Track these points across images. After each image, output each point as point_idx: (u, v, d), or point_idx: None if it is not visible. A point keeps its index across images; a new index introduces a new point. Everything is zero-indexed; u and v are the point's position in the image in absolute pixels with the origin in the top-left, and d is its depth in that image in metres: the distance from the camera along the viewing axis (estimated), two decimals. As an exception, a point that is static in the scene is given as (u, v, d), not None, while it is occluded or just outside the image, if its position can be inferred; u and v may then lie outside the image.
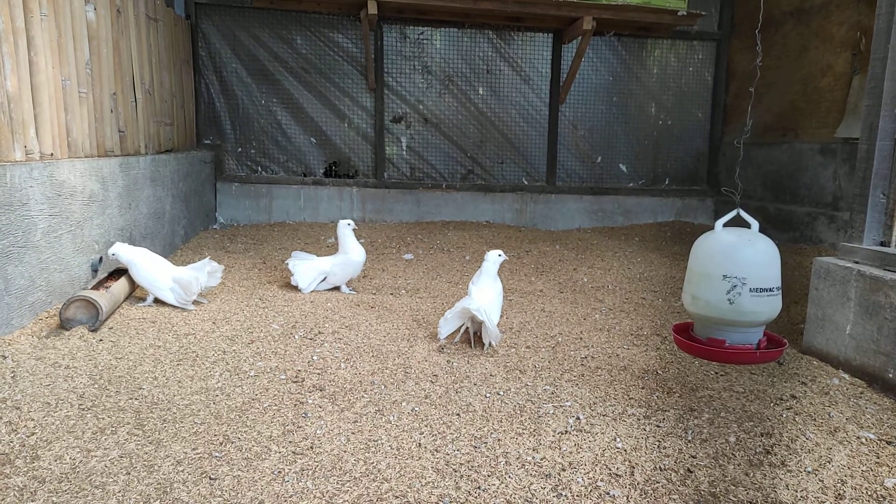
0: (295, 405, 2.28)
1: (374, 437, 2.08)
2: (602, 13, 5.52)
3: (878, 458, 2.05)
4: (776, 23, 5.83)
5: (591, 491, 1.83)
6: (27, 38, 2.87)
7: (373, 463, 1.93)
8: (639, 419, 2.28)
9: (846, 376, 2.72)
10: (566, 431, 2.17)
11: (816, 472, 1.95)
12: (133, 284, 3.35)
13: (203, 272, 3.30)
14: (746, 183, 6.22)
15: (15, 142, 2.77)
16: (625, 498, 1.81)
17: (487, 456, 1.99)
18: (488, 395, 2.44)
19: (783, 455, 2.04)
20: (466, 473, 1.89)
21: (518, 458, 1.98)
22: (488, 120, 6.38)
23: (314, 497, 1.75)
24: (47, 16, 3.03)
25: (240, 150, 6.04)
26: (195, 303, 3.31)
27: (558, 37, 6.27)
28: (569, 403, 2.38)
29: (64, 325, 2.78)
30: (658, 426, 2.23)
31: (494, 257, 3.07)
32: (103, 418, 2.10)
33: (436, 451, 2.01)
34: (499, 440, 2.09)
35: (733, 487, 1.87)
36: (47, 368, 2.41)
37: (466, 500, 1.76)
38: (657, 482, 1.89)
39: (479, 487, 1.82)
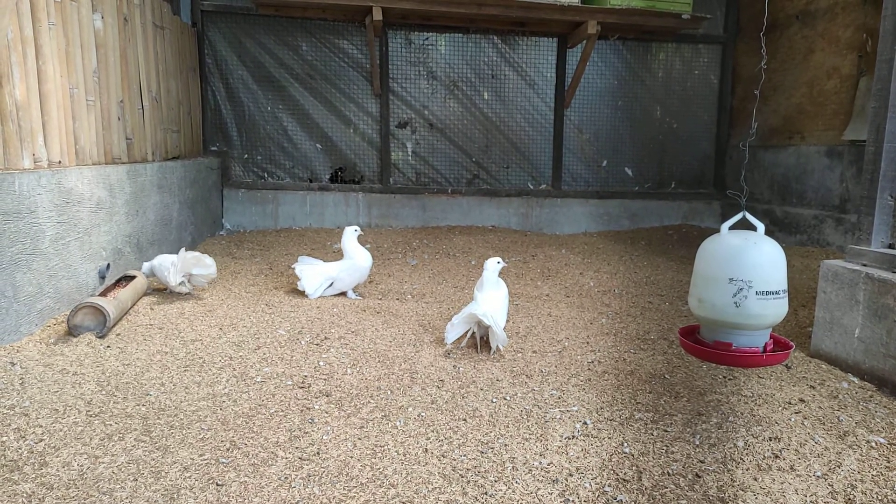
0: (301, 411, 2.28)
1: (381, 443, 2.08)
2: (606, 17, 5.53)
3: (889, 462, 2.03)
4: (781, 25, 5.82)
5: (598, 496, 1.82)
6: (35, 47, 2.90)
7: (379, 469, 1.92)
8: (646, 424, 2.26)
9: (855, 380, 2.70)
10: (573, 436, 2.16)
11: (826, 477, 1.94)
12: (140, 292, 3.36)
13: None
14: (753, 186, 6.20)
15: (23, 150, 2.79)
16: (633, 503, 1.80)
17: (494, 461, 1.98)
18: (495, 399, 2.43)
19: (792, 460, 2.03)
20: (473, 479, 1.88)
21: (525, 464, 1.97)
22: (493, 125, 6.39)
23: (321, 503, 1.74)
24: (55, 25, 3.05)
25: (246, 156, 6.07)
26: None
27: (563, 41, 6.27)
28: (576, 408, 2.37)
29: (72, 331, 2.80)
30: (666, 431, 2.22)
31: (493, 265, 3.07)
32: (111, 424, 2.11)
33: (442, 456, 2.01)
34: (506, 445, 2.08)
35: (742, 492, 1.85)
36: (55, 375, 2.43)
37: (473, 505, 1.76)
38: (665, 487, 1.88)
39: (485, 493, 1.81)
